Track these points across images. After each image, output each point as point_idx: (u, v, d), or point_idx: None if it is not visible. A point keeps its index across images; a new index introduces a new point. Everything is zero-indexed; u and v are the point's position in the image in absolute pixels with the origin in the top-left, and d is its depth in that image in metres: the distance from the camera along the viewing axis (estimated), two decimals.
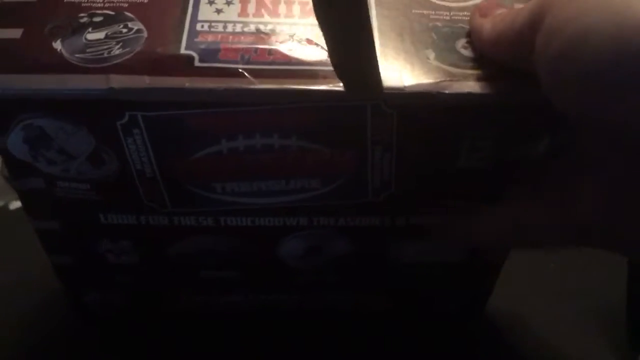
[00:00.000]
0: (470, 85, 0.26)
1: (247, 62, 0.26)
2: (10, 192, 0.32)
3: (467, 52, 0.27)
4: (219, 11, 0.28)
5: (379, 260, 0.35)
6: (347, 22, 0.22)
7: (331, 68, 0.24)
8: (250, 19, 0.28)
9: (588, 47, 0.21)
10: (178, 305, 0.39)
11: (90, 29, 0.27)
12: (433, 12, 0.28)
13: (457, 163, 0.28)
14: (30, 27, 0.27)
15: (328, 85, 0.25)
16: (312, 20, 0.28)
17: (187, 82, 0.25)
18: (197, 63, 0.26)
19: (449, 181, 0.29)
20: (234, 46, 0.27)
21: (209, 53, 0.26)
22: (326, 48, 0.24)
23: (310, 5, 0.22)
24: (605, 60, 0.20)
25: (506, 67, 0.26)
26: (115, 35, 0.27)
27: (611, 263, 0.38)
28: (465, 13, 0.28)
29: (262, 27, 0.28)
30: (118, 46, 0.26)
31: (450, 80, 0.26)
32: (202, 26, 0.27)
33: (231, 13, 0.28)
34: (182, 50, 0.26)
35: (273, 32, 0.27)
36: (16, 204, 0.44)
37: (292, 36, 0.27)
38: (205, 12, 0.28)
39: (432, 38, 0.27)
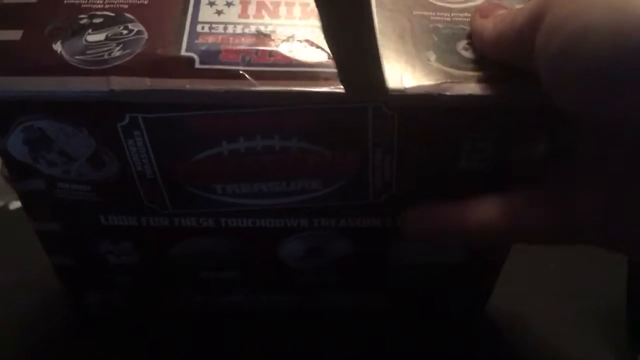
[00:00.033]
0: (471, 87, 0.26)
1: (248, 64, 0.26)
2: (10, 192, 0.32)
3: (468, 54, 0.27)
4: (219, 12, 0.28)
5: (380, 261, 0.35)
6: (351, 23, 0.22)
7: (332, 70, 0.24)
8: (251, 20, 0.28)
9: (588, 44, 0.21)
10: (178, 305, 0.39)
11: (90, 31, 0.27)
12: (434, 14, 0.28)
13: (458, 164, 0.28)
14: (30, 29, 0.27)
15: (329, 87, 0.25)
16: (313, 21, 0.28)
17: (187, 84, 0.25)
18: (197, 65, 0.26)
19: (449, 182, 0.29)
20: (235, 48, 0.27)
21: (210, 55, 0.26)
22: (328, 50, 0.24)
23: (311, 6, 0.22)
24: (605, 56, 0.20)
25: (507, 68, 0.26)
26: (115, 36, 0.27)
27: (611, 263, 0.38)
28: (466, 14, 0.28)
29: (262, 28, 0.28)
30: (118, 48, 0.26)
31: (451, 82, 0.26)
32: (203, 27, 0.27)
33: (232, 14, 0.28)
34: (183, 52, 0.26)
35: (274, 33, 0.27)
36: (16, 204, 0.44)
37: (292, 37, 0.27)
38: (206, 13, 0.28)
39: (433, 40, 0.27)
